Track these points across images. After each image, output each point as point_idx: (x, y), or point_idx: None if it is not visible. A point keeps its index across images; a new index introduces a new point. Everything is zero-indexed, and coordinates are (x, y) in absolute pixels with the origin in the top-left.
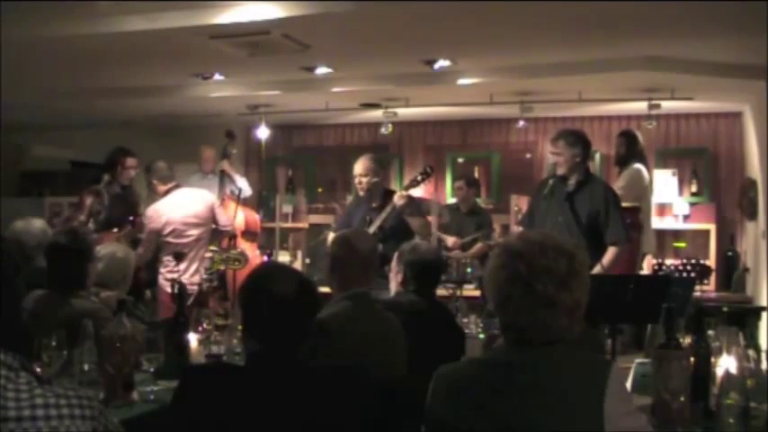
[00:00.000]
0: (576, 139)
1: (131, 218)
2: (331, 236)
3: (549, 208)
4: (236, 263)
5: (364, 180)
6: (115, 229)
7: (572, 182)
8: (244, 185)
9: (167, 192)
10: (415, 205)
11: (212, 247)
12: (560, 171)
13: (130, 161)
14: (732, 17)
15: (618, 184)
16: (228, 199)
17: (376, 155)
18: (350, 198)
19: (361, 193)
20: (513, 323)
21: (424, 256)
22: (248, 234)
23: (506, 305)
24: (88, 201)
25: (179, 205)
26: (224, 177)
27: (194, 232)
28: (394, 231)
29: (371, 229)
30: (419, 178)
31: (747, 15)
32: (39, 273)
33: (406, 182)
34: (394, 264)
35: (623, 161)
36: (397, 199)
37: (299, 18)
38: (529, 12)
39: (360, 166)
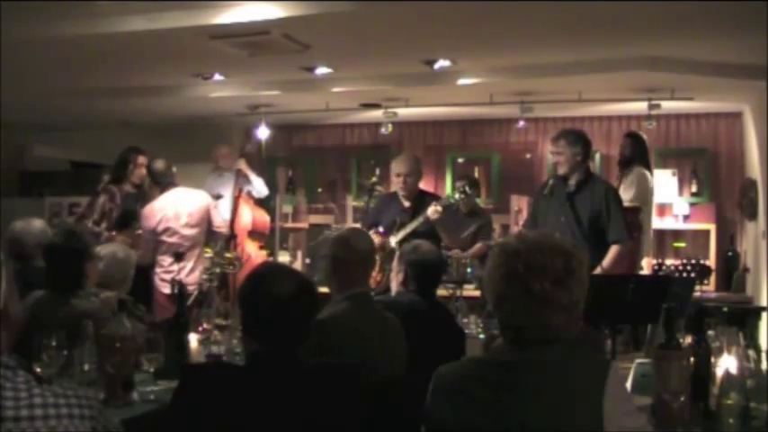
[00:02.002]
0: (577, 138)
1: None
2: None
3: (550, 208)
4: (231, 266)
5: (409, 180)
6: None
7: (572, 182)
8: (259, 185)
9: (163, 190)
10: (449, 219)
11: (207, 249)
12: (561, 170)
13: (142, 159)
14: (732, 17)
15: (627, 188)
16: (241, 198)
17: (414, 155)
18: (350, 198)
19: (402, 193)
20: (511, 322)
21: (426, 256)
22: (255, 234)
23: (504, 304)
24: (101, 200)
25: (173, 204)
26: (239, 176)
27: (189, 232)
28: (424, 237)
29: (401, 234)
30: (456, 196)
31: (747, 15)
32: (39, 273)
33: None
34: (395, 263)
35: (626, 163)
36: (432, 213)
37: (299, 18)
38: (529, 12)
39: (404, 166)
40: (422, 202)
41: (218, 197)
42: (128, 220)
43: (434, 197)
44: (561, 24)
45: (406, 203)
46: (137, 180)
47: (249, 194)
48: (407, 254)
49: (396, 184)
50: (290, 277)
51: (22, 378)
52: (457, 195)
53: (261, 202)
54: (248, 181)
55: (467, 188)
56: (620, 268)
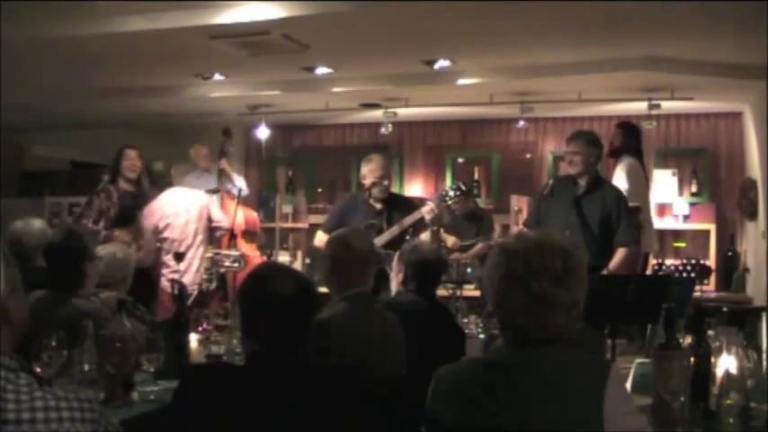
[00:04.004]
0: (593, 140)
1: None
2: (320, 235)
3: (551, 208)
4: (236, 264)
5: (387, 182)
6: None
7: (583, 183)
8: (242, 184)
9: (161, 191)
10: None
11: (209, 250)
12: (574, 170)
13: (129, 152)
14: (732, 17)
15: (617, 181)
16: (228, 198)
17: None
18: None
19: (380, 196)
20: (511, 322)
21: (426, 255)
22: (248, 234)
23: (504, 304)
24: (98, 199)
25: (173, 204)
26: (222, 176)
27: (190, 230)
28: (402, 238)
29: (385, 238)
30: (451, 194)
31: (747, 15)
32: (39, 273)
33: (437, 195)
34: (395, 263)
35: (616, 153)
36: (427, 212)
37: (299, 18)
38: (529, 12)
39: (383, 168)
40: (395, 205)
41: (215, 191)
42: (127, 217)
43: (408, 201)
44: (561, 24)
45: (378, 206)
46: (130, 174)
47: (231, 194)
48: (407, 254)
49: (377, 187)
50: (290, 277)
51: (24, 380)
52: (451, 193)
53: (246, 202)
54: (230, 180)
55: (461, 186)
56: (623, 270)
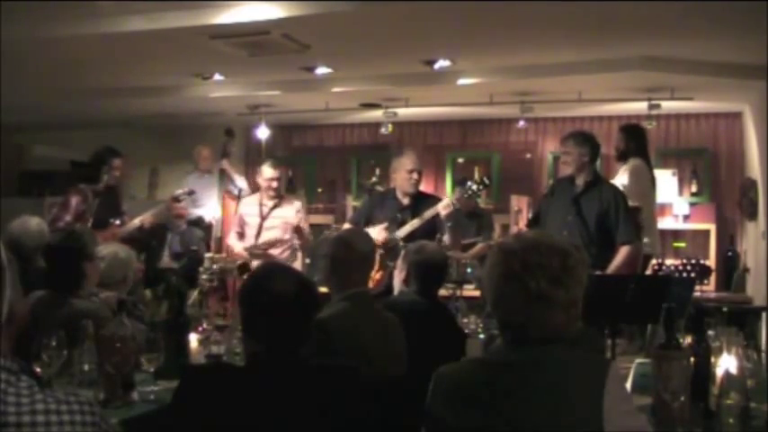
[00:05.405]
0: (585, 139)
1: (118, 217)
2: (346, 226)
3: (551, 208)
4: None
5: (419, 176)
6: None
7: (580, 182)
8: (243, 185)
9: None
10: (458, 217)
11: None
12: (569, 170)
13: (117, 162)
14: (732, 17)
15: (621, 181)
16: (228, 198)
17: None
18: (350, 198)
19: (410, 191)
20: (510, 321)
21: (430, 256)
22: None
23: (502, 303)
24: (73, 201)
25: None
26: (223, 176)
27: None
28: (423, 235)
29: (403, 231)
30: (474, 188)
31: (747, 15)
32: (38, 273)
33: (458, 191)
34: (399, 262)
35: (622, 156)
36: (443, 208)
37: (299, 18)
38: (529, 12)
39: (416, 162)
40: (422, 201)
41: (190, 193)
42: (100, 221)
43: (433, 197)
44: (561, 24)
45: (406, 201)
46: (111, 182)
47: (232, 194)
48: (412, 253)
49: (406, 181)
50: (291, 277)
51: (24, 383)
52: (474, 186)
53: None
54: (232, 181)
55: (485, 180)
56: (624, 269)
